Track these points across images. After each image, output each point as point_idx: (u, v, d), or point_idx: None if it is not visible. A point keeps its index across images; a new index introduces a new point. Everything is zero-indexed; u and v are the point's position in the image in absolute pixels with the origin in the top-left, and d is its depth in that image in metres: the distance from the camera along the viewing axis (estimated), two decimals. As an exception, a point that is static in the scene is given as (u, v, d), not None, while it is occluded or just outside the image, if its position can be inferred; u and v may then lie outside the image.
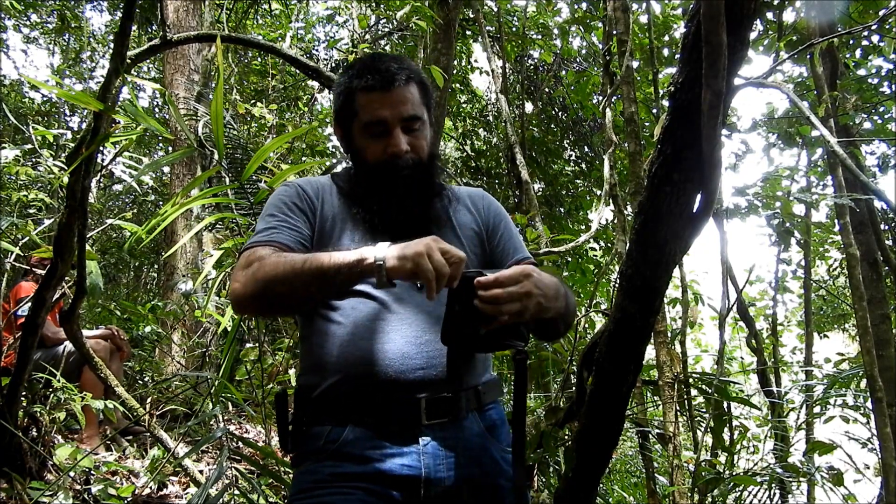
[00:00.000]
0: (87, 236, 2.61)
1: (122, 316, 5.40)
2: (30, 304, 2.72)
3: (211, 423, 3.83)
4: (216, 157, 2.96)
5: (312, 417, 1.36)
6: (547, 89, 8.87)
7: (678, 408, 3.32)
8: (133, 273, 10.12)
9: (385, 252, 1.18)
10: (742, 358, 9.22)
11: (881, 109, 5.96)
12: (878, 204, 5.00)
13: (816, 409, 4.39)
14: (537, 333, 1.50)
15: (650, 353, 2.97)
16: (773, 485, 3.13)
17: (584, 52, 8.55)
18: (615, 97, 4.45)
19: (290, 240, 1.36)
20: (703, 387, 3.29)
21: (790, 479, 3.09)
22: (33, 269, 3.88)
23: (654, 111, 5.28)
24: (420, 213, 1.42)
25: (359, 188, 1.46)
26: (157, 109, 9.46)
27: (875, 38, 5.63)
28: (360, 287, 1.35)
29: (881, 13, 4.40)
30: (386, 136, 1.40)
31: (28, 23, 9.43)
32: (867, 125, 5.99)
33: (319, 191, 1.48)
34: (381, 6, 7.20)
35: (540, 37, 8.18)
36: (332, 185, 1.51)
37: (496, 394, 1.45)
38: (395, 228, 1.36)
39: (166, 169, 6.81)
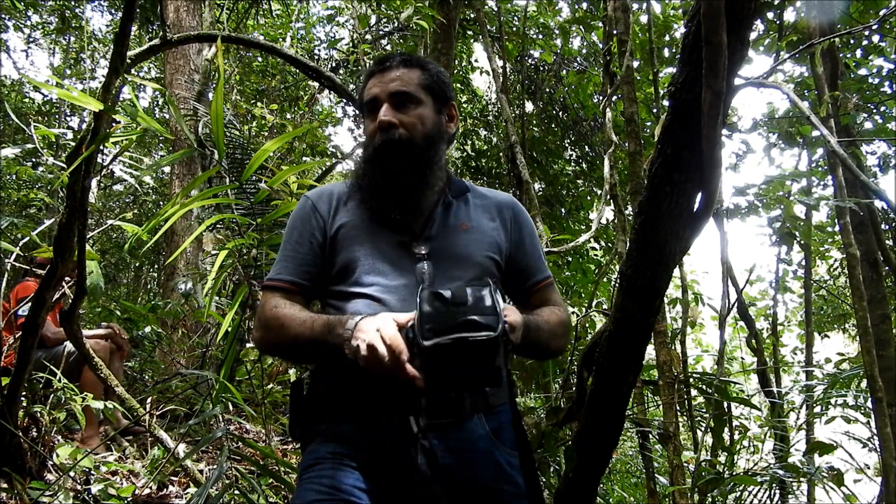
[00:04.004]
0: (87, 236, 2.61)
1: (123, 316, 5.39)
2: (30, 304, 2.72)
3: (211, 423, 3.82)
4: (216, 157, 2.96)
5: (315, 415, 1.38)
6: (547, 89, 8.86)
7: (678, 408, 3.31)
8: (133, 273, 10.12)
9: (352, 327, 1.23)
10: (742, 358, 9.22)
11: (882, 109, 5.96)
12: (878, 204, 5.00)
13: (817, 410, 4.39)
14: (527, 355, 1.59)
15: (650, 353, 2.96)
16: (773, 485, 3.13)
17: (584, 51, 8.54)
18: (615, 97, 4.45)
19: (298, 273, 1.44)
20: (703, 387, 3.29)
21: (790, 479, 3.09)
22: (33, 270, 3.87)
23: (654, 111, 5.27)
24: (411, 194, 1.42)
25: (359, 170, 1.48)
26: (157, 109, 9.45)
27: (875, 38, 5.63)
28: (362, 289, 1.36)
29: (881, 13, 4.40)
30: (378, 111, 1.43)
31: (29, 23, 9.42)
32: (868, 125, 5.98)
33: (335, 200, 1.49)
34: (382, 6, 7.18)
35: (540, 36, 8.17)
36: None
37: (505, 396, 1.42)
38: (389, 210, 1.42)
39: (166, 169, 6.80)
